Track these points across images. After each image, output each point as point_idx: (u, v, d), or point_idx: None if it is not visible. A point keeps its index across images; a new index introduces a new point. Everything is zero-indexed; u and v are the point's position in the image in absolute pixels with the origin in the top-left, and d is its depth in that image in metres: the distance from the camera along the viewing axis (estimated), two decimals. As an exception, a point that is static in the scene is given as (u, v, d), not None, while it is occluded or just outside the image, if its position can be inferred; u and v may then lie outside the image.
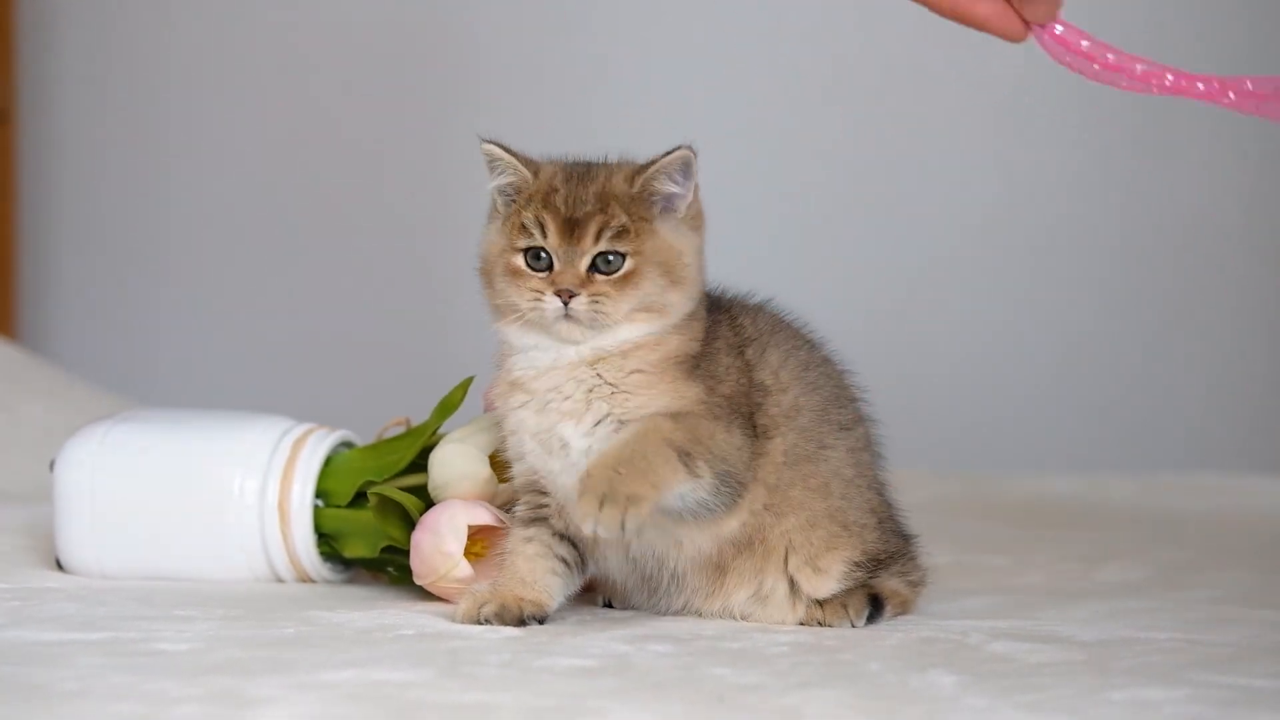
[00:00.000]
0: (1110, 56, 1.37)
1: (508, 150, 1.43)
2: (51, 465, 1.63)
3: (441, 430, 1.61)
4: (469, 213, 3.45)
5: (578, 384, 1.39)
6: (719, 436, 1.37)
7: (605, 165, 1.43)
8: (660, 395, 1.38)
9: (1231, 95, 1.34)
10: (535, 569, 1.42)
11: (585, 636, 1.34)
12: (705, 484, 1.36)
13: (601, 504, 1.30)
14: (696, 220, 1.44)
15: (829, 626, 1.43)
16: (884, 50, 3.24)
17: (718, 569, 1.43)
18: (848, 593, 1.45)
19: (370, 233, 3.34)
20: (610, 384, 1.39)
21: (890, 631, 1.41)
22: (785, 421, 1.43)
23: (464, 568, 1.49)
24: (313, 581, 1.62)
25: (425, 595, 1.54)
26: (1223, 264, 3.20)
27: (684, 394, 1.38)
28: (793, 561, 1.43)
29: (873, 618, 1.45)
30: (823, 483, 1.44)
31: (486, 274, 1.43)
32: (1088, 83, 3.13)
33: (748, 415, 1.41)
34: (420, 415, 1.64)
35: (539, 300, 1.37)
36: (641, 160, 1.42)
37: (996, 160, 3.23)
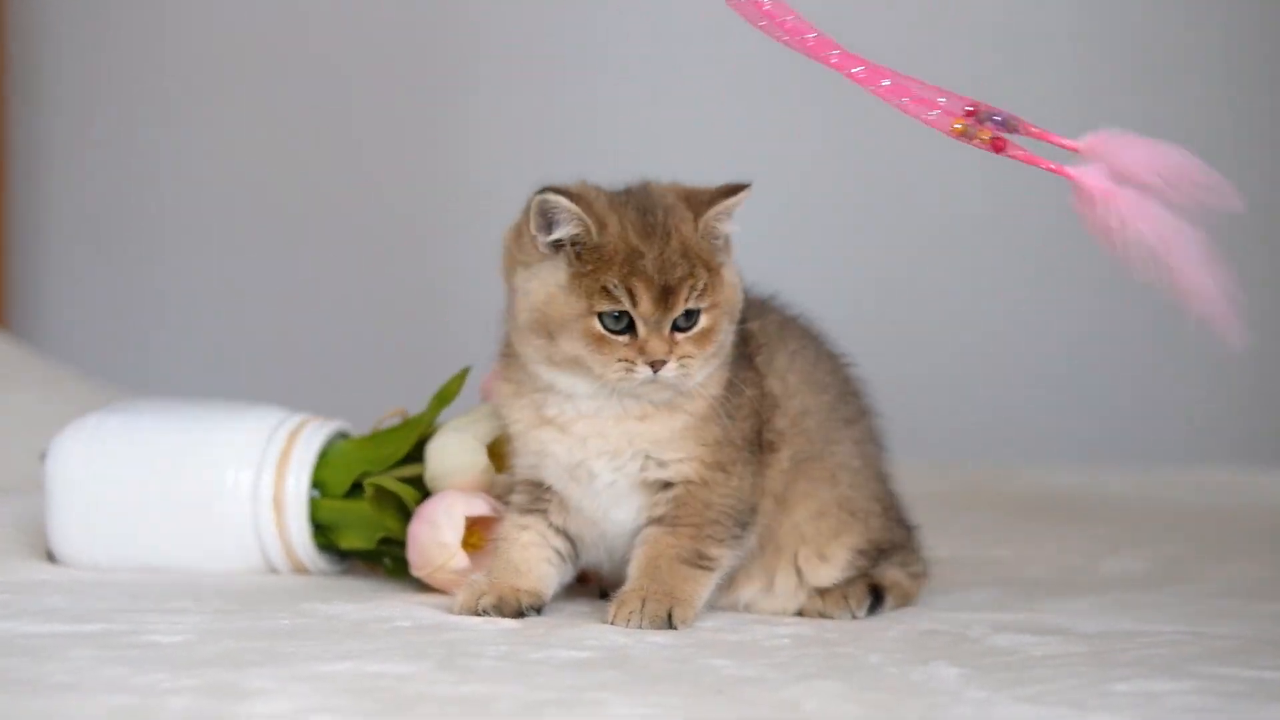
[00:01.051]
0: (789, 19, 1.34)
1: (572, 199, 1.33)
2: (42, 456, 1.61)
3: (438, 421, 1.60)
4: (465, 204, 3.45)
5: (621, 435, 1.37)
6: (722, 492, 1.37)
7: (664, 205, 1.35)
8: (690, 443, 1.37)
9: (885, 83, 1.32)
10: (530, 558, 1.41)
11: (583, 628, 1.33)
12: (726, 558, 1.38)
13: (644, 613, 1.33)
14: (730, 247, 1.40)
15: (829, 618, 1.42)
16: (884, 41, 3.23)
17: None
18: (849, 583, 1.44)
19: (366, 223, 3.33)
20: (652, 442, 1.37)
21: (891, 624, 1.40)
22: (791, 429, 1.43)
23: (461, 559, 1.48)
24: (308, 573, 1.61)
25: (422, 587, 1.53)
26: (1227, 257, 3.18)
27: (707, 437, 1.38)
28: (802, 553, 1.44)
29: (873, 609, 1.44)
30: (830, 473, 1.45)
31: (543, 325, 1.34)
32: (1089, 74, 3.13)
33: (756, 437, 1.41)
34: (417, 406, 1.63)
35: (630, 370, 1.32)
36: (691, 186, 1.36)
37: (995, 155, 3.21)
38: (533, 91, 3.25)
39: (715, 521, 1.38)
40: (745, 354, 1.43)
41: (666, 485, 1.38)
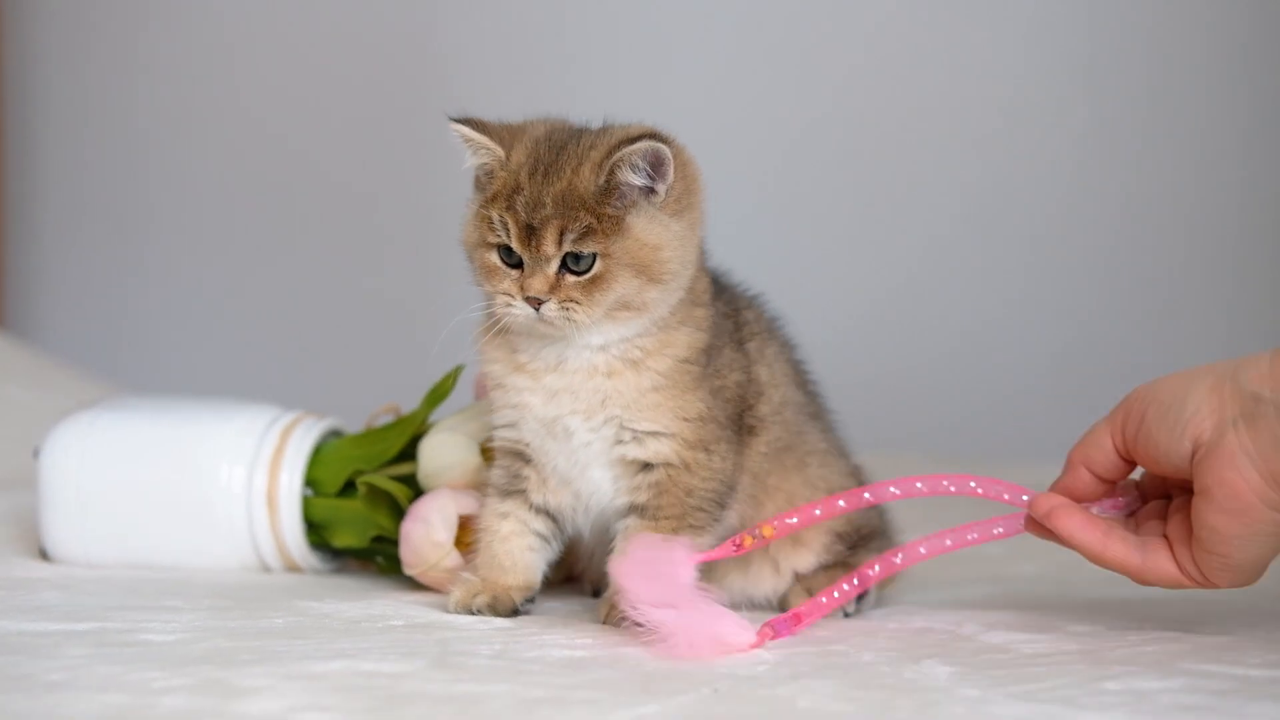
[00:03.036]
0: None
1: (478, 128, 1.35)
2: (35, 453, 1.61)
3: (431, 418, 1.60)
4: (457, 199, 3.44)
5: (592, 391, 1.36)
6: (704, 475, 1.37)
7: (578, 149, 1.32)
8: (666, 414, 1.36)
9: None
10: (513, 549, 1.41)
11: (576, 627, 1.33)
12: (705, 547, 1.37)
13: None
14: (681, 204, 1.34)
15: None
16: (883, 41, 3.23)
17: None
18: (830, 571, 1.44)
19: (359, 220, 3.33)
20: (624, 405, 1.36)
21: (884, 622, 1.41)
22: (772, 417, 1.43)
23: (454, 557, 1.48)
24: (301, 571, 1.61)
25: (415, 585, 1.53)
26: (1218, 256, 3.20)
27: (690, 406, 1.36)
28: (773, 545, 1.44)
29: (860, 597, 1.44)
30: (800, 460, 1.45)
31: (468, 256, 1.38)
32: (1084, 76, 3.13)
33: (738, 418, 1.41)
34: (409, 403, 1.63)
35: (510, 304, 1.32)
36: (613, 137, 1.32)
37: (993, 150, 3.22)
38: (528, 92, 3.24)
39: (698, 509, 1.37)
40: (738, 339, 1.42)
41: (646, 466, 1.37)
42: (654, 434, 1.36)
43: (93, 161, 3.39)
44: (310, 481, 1.60)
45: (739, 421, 1.41)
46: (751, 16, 3.20)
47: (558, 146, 1.33)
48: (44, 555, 1.61)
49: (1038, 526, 1.34)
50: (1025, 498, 1.35)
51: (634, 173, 1.30)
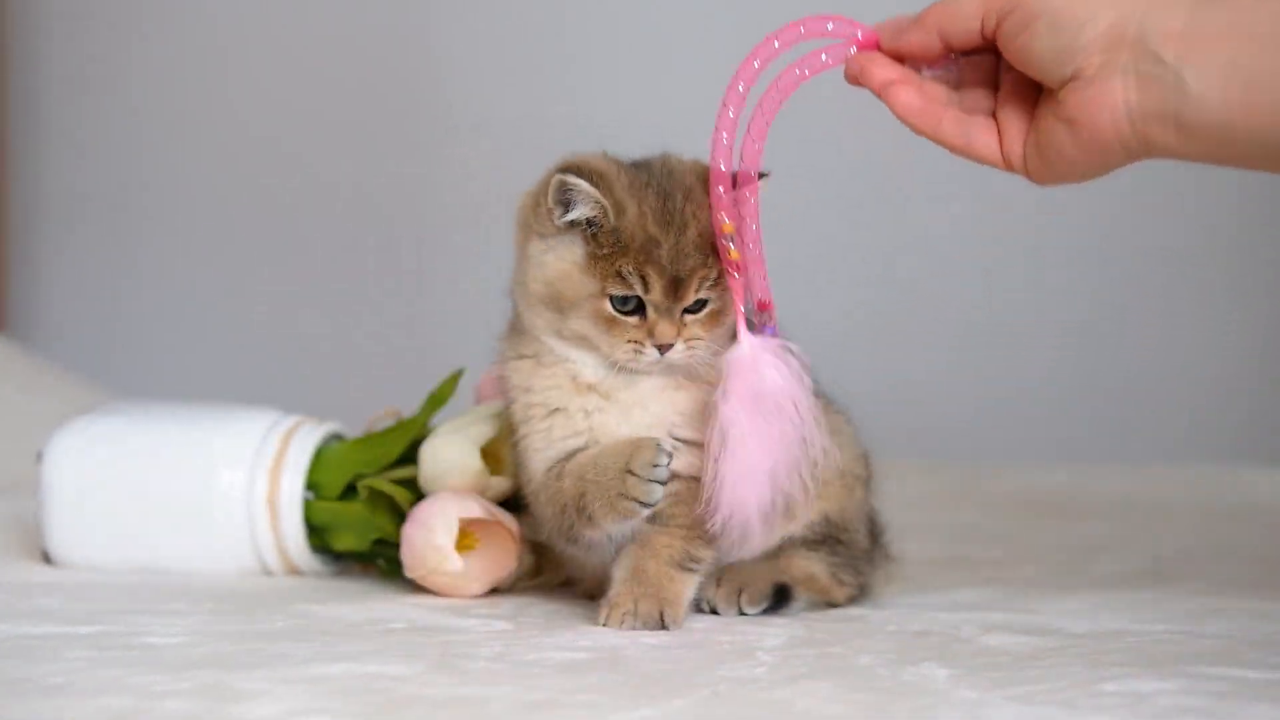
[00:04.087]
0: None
1: (592, 180, 1.32)
2: (38, 457, 1.61)
3: (432, 423, 1.60)
4: (459, 205, 3.45)
5: (664, 404, 1.37)
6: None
7: (684, 189, 1.34)
8: (697, 410, 1.37)
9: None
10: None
11: (576, 630, 1.34)
12: (709, 559, 1.38)
13: (637, 615, 1.34)
14: None
15: (715, 611, 1.43)
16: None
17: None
18: (756, 574, 1.45)
19: (359, 224, 3.33)
20: (684, 416, 1.37)
21: (882, 624, 1.41)
22: None
23: (455, 561, 1.49)
24: (302, 574, 1.61)
25: (416, 588, 1.53)
26: (1216, 254, 3.20)
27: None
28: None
29: (773, 610, 1.44)
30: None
31: (555, 300, 1.35)
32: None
33: None
34: (410, 407, 1.64)
35: (638, 351, 1.33)
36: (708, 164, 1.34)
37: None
38: (525, 93, 3.25)
39: (705, 520, 1.37)
40: None
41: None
42: (689, 443, 1.37)
43: (91, 165, 3.39)
44: (311, 485, 1.60)
45: None
46: (749, 18, 3.20)
47: (664, 193, 1.34)
48: (45, 559, 1.62)
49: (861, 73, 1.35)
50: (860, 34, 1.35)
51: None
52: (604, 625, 1.34)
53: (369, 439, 1.62)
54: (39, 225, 3.40)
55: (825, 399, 1.51)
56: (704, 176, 1.35)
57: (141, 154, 3.38)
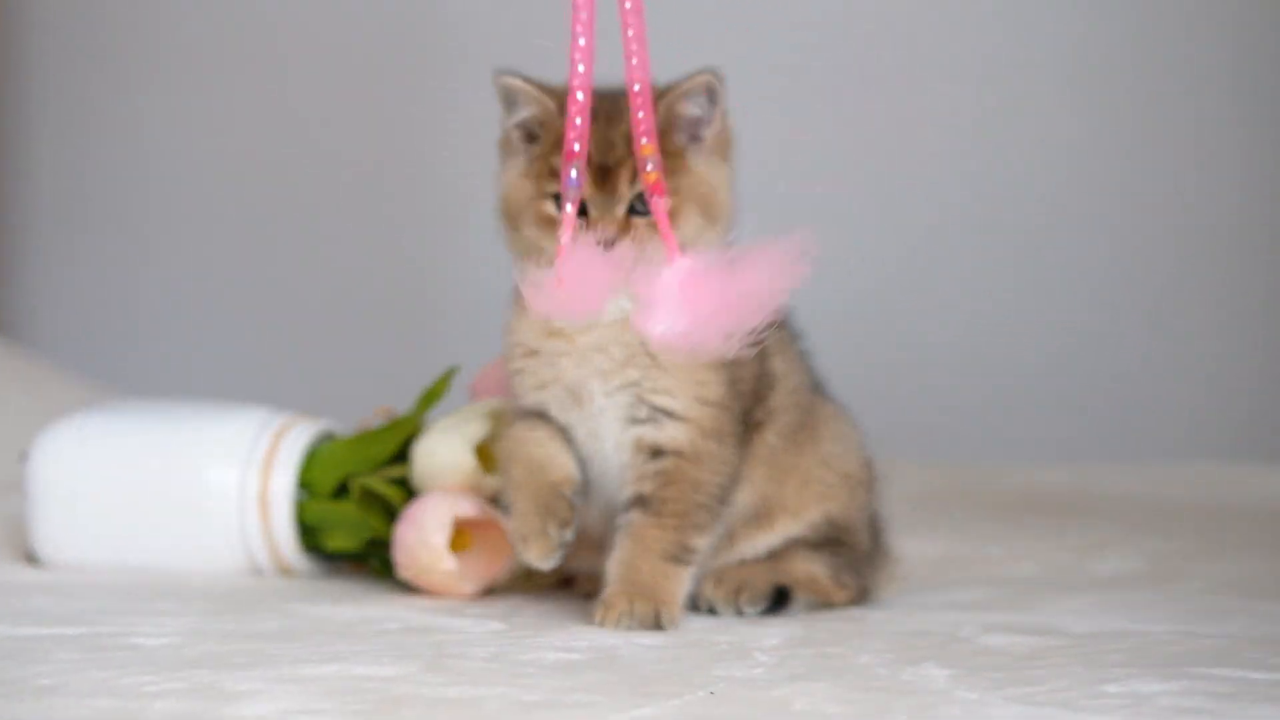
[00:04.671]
0: None
1: (528, 81, 1.36)
2: (24, 456, 1.60)
3: (425, 421, 1.59)
4: (452, 203, 3.44)
5: (621, 346, 1.35)
6: (713, 468, 1.37)
7: (612, 95, 1.35)
8: (687, 382, 1.35)
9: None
10: (548, 450, 1.38)
11: (571, 629, 1.32)
12: (704, 548, 1.38)
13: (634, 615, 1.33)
14: (725, 148, 1.38)
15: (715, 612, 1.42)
16: (875, 37, 3.23)
17: (728, 536, 1.44)
18: (754, 575, 1.44)
19: (353, 223, 3.32)
20: (649, 355, 1.35)
21: (882, 624, 1.40)
22: (783, 405, 1.43)
23: (448, 560, 1.47)
24: (294, 574, 1.60)
25: (409, 588, 1.52)
26: (1216, 253, 3.19)
27: (709, 390, 1.36)
28: (781, 519, 1.45)
29: (772, 610, 1.43)
30: (812, 434, 1.45)
31: (511, 218, 1.36)
32: (1079, 74, 3.10)
33: (747, 414, 1.41)
34: (403, 405, 1.62)
35: None
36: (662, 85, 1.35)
37: (989, 148, 3.21)
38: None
39: (702, 505, 1.36)
40: None
41: (656, 454, 1.36)
42: (671, 415, 1.35)
43: (84, 165, 3.38)
44: (303, 484, 1.59)
45: (748, 417, 1.41)
46: (746, 16, 3.20)
47: (611, 95, 1.35)
48: (33, 559, 1.60)
49: None
50: None
51: (693, 104, 1.35)
52: (599, 625, 1.33)
53: (362, 437, 1.61)
54: (31, 222, 3.38)
55: (832, 403, 1.50)
56: (672, 82, 1.35)
57: (135, 155, 3.37)
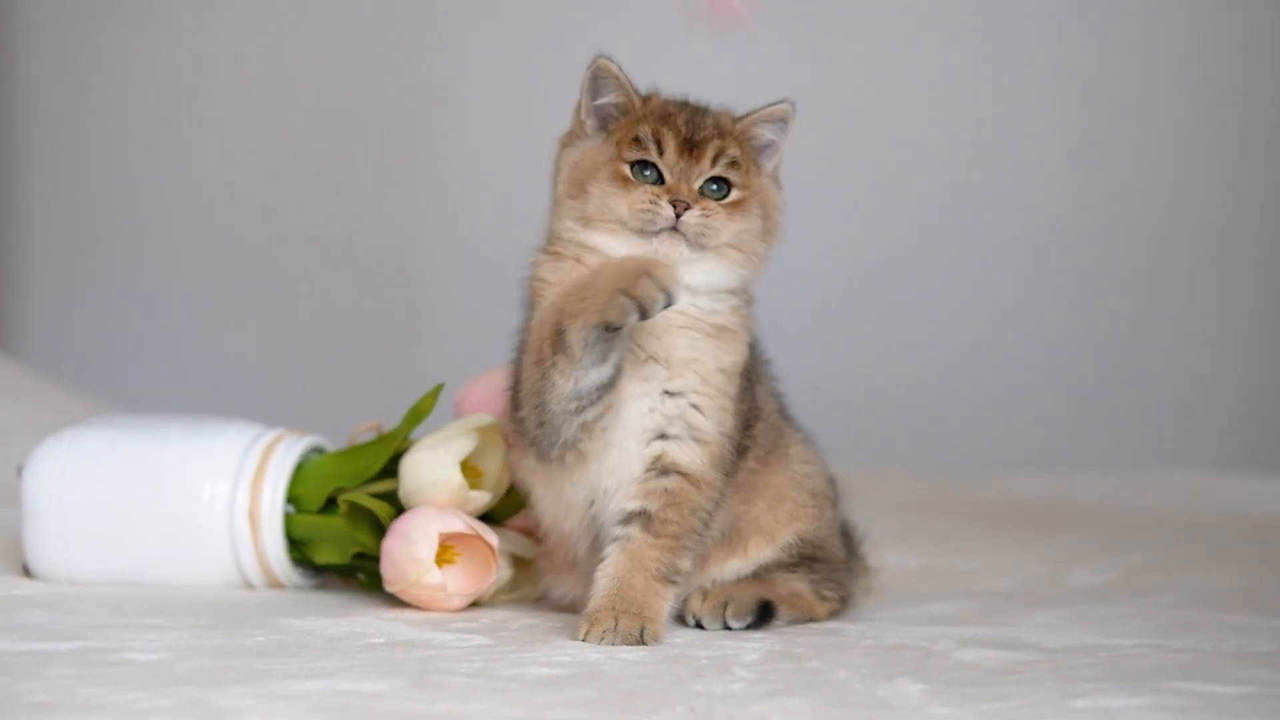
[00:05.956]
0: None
1: (621, 70, 1.43)
2: (19, 470, 1.62)
3: (412, 437, 1.61)
4: (443, 222, 3.46)
5: (687, 344, 1.38)
6: (709, 495, 1.40)
7: (708, 107, 1.45)
8: (719, 411, 1.40)
9: None
10: None
11: (555, 645, 1.35)
12: (688, 569, 1.41)
13: (618, 631, 1.35)
14: (778, 184, 1.47)
15: (702, 626, 1.45)
16: (864, 47, 3.25)
17: (700, 559, 1.47)
18: (741, 589, 1.47)
19: (343, 239, 3.34)
20: (702, 374, 1.39)
21: (859, 638, 1.42)
22: (762, 431, 1.48)
23: (435, 574, 1.50)
24: (283, 587, 1.62)
25: (396, 601, 1.54)
26: (1195, 268, 3.22)
27: (728, 420, 1.41)
28: (754, 541, 1.48)
29: (757, 625, 1.46)
30: (783, 455, 1.50)
31: (578, 183, 1.40)
32: (1066, 88, 3.11)
33: (738, 443, 1.44)
34: (390, 420, 1.64)
35: (653, 206, 1.36)
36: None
37: (973, 161, 3.24)
38: (515, 109, 3.25)
39: (694, 531, 1.40)
40: (752, 364, 1.47)
41: (665, 472, 1.39)
42: (698, 439, 1.39)
43: (78, 179, 3.39)
44: (292, 499, 1.61)
45: (738, 445, 1.45)
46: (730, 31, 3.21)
47: (694, 104, 1.45)
48: (26, 572, 1.62)
49: None
50: None
51: (770, 130, 1.44)
52: (583, 640, 1.35)
53: (350, 452, 1.63)
54: (24, 236, 3.39)
55: (794, 427, 1.54)
56: (732, 113, 1.44)
57: (128, 170, 3.38)
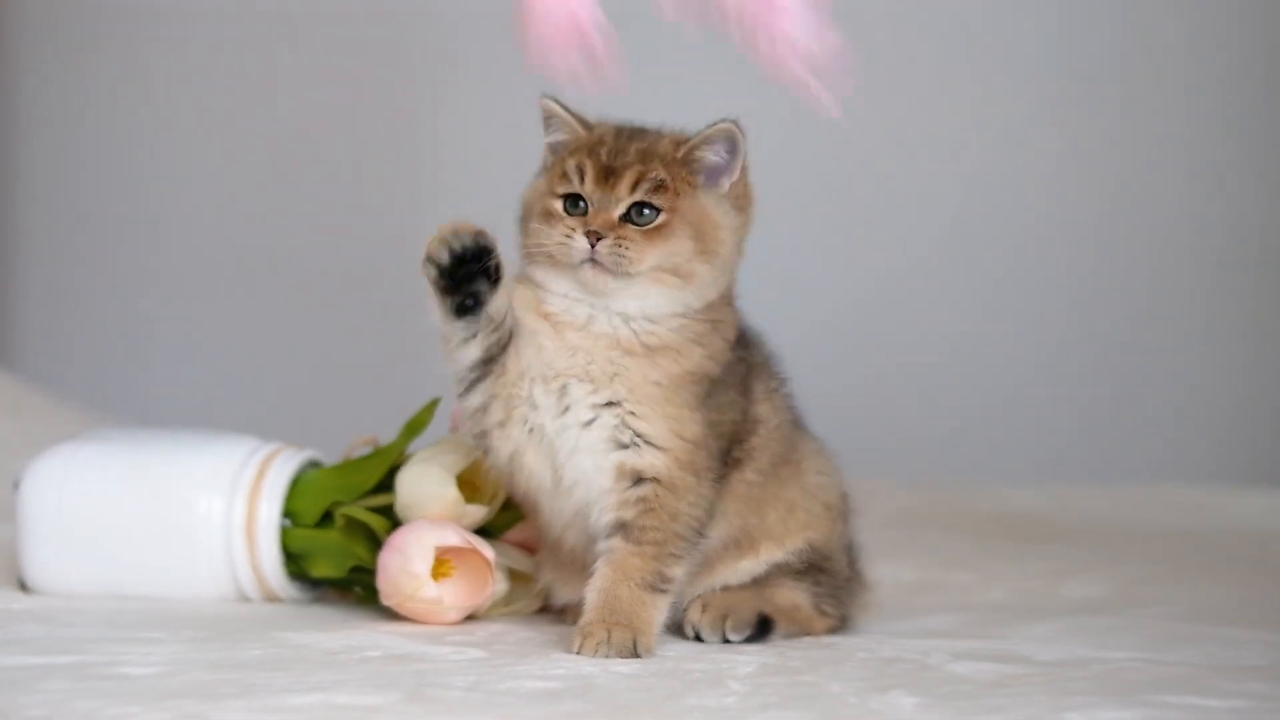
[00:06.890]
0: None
1: (564, 107, 1.46)
2: (15, 484, 1.62)
3: (409, 451, 1.62)
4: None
5: (607, 362, 1.40)
6: (690, 500, 1.41)
7: (658, 130, 1.46)
8: (666, 419, 1.41)
9: None
10: None
11: (549, 658, 1.35)
12: (680, 577, 1.42)
13: (611, 644, 1.36)
14: (742, 202, 1.46)
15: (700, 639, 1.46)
16: (861, 54, 3.25)
17: (706, 564, 1.48)
18: (739, 602, 1.48)
19: (340, 254, 3.34)
20: (629, 388, 1.40)
21: (853, 651, 1.43)
22: (763, 446, 1.48)
23: (431, 588, 1.50)
24: (280, 601, 1.62)
25: (392, 615, 1.54)
26: (1190, 279, 3.23)
27: (687, 427, 1.41)
28: (765, 545, 1.50)
29: (756, 638, 1.47)
30: (795, 468, 1.51)
31: (524, 219, 1.45)
32: (1062, 95, 3.09)
33: (725, 453, 1.45)
34: (387, 435, 1.65)
35: (568, 238, 1.39)
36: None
37: (968, 170, 3.24)
38: (509, 120, 3.26)
39: (679, 536, 1.41)
40: (745, 383, 1.48)
41: (638, 481, 1.41)
42: (650, 444, 1.40)
43: (73, 191, 3.40)
44: (289, 512, 1.62)
45: (726, 456, 1.46)
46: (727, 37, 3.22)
47: (639, 128, 1.46)
48: (23, 586, 1.62)
49: None
50: None
51: (712, 152, 1.43)
52: (577, 654, 1.36)
53: (346, 466, 1.64)
54: (19, 249, 3.40)
55: (812, 439, 1.55)
56: (678, 136, 1.44)
57: (123, 183, 3.38)
